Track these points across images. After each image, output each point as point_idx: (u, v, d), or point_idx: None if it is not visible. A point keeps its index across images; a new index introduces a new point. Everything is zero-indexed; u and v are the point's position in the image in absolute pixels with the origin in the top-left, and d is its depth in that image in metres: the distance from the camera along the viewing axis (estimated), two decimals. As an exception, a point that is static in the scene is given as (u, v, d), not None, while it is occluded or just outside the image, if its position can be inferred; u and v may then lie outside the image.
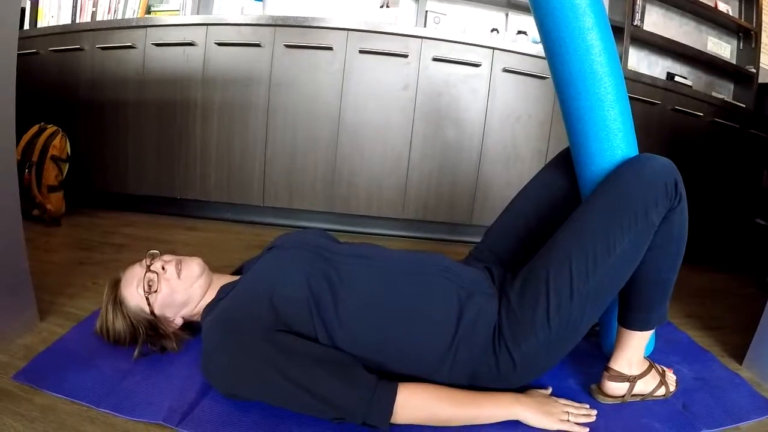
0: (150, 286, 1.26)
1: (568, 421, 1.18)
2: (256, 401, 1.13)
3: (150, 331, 1.27)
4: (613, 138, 1.21)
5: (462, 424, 1.14)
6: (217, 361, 1.10)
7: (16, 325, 1.40)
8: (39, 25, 3.33)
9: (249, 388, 1.09)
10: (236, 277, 1.35)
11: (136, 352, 1.27)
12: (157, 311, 1.27)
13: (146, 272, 1.28)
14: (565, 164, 1.45)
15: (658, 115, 3.02)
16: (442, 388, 1.15)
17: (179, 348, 1.31)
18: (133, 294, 1.27)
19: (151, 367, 1.28)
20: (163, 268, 1.29)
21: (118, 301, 1.28)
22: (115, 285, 1.31)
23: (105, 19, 3.24)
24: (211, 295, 1.29)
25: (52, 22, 3.32)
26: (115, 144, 2.96)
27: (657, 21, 3.64)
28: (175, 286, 1.28)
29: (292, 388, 1.04)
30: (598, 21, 1.15)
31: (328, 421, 1.08)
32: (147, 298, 1.26)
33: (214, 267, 1.41)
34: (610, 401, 1.30)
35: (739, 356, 1.63)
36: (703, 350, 1.70)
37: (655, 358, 1.50)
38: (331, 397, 1.04)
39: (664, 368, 1.39)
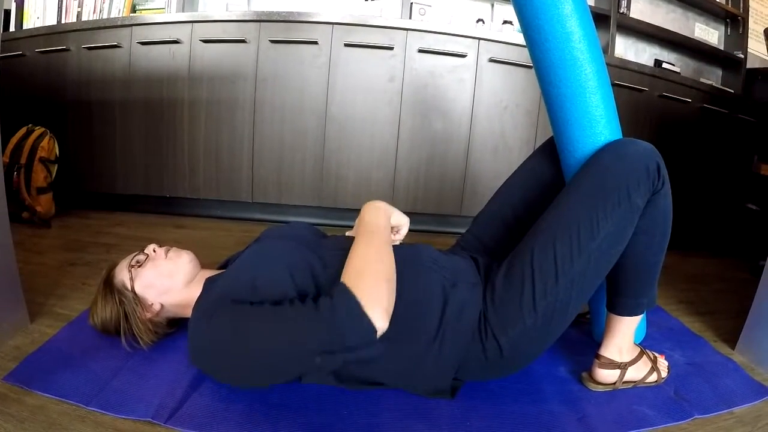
0: (137, 262, 1.31)
1: None
2: (237, 373, 1.10)
3: (128, 308, 1.27)
4: (596, 124, 1.21)
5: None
6: (198, 336, 1.09)
7: (7, 327, 1.40)
8: (25, 27, 3.30)
9: (228, 356, 1.06)
10: (222, 271, 1.34)
11: (122, 339, 1.28)
12: (137, 288, 1.28)
13: (139, 252, 1.35)
14: (551, 152, 1.45)
15: (646, 102, 3.02)
16: (351, 251, 1.18)
17: (149, 342, 1.30)
18: (121, 269, 1.32)
19: (140, 365, 1.28)
20: (154, 251, 1.34)
21: (108, 280, 1.31)
22: (112, 267, 1.35)
23: (90, 19, 3.22)
24: (197, 290, 1.27)
25: (38, 23, 3.30)
26: (104, 144, 2.94)
27: (643, 8, 3.64)
28: (160, 265, 1.31)
29: (269, 335, 1.01)
30: (576, 7, 1.15)
31: (315, 367, 1.06)
32: (130, 272, 1.29)
33: (204, 263, 1.41)
34: (601, 389, 1.31)
35: (732, 341, 1.64)
36: (695, 336, 1.71)
37: (647, 344, 1.51)
38: (304, 330, 1.01)
39: (656, 354, 1.39)
